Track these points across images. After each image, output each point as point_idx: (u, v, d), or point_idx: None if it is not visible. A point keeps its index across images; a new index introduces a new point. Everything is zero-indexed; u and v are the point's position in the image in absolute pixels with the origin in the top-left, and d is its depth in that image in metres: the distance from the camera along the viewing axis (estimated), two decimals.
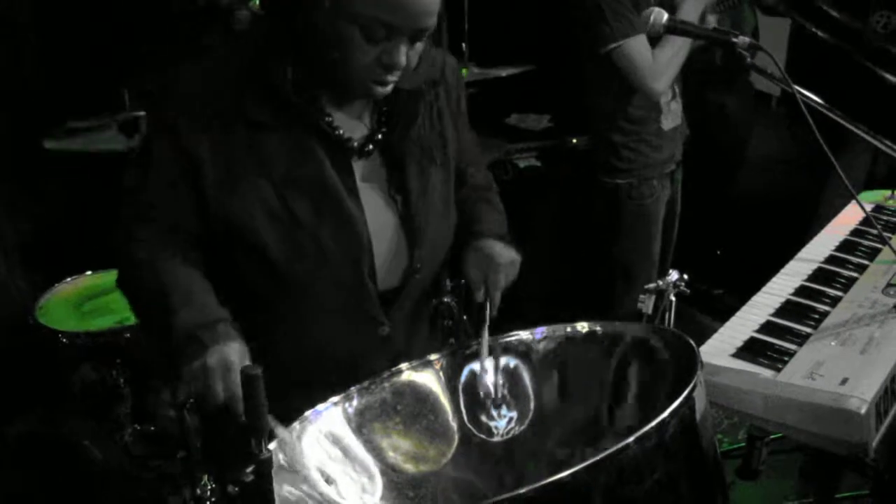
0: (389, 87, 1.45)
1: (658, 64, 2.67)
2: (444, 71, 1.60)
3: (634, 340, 1.47)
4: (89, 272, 2.91)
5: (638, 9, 2.61)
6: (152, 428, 2.80)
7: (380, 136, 1.56)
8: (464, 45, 3.18)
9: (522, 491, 1.02)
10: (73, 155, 2.72)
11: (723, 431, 2.99)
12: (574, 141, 3.88)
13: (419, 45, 1.44)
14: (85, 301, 2.79)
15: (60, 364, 2.65)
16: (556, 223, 3.82)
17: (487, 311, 1.57)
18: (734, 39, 1.73)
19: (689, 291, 1.75)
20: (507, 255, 1.61)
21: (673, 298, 1.74)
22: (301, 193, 1.47)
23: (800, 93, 1.72)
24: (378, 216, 1.55)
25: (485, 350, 1.55)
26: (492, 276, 1.58)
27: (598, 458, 1.04)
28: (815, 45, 2.95)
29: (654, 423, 1.07)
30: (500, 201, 1.81)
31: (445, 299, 3.18)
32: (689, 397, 1.15)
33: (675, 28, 1.88)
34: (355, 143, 1.53)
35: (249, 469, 1.08)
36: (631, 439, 1.05)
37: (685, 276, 1.75)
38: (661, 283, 1.74)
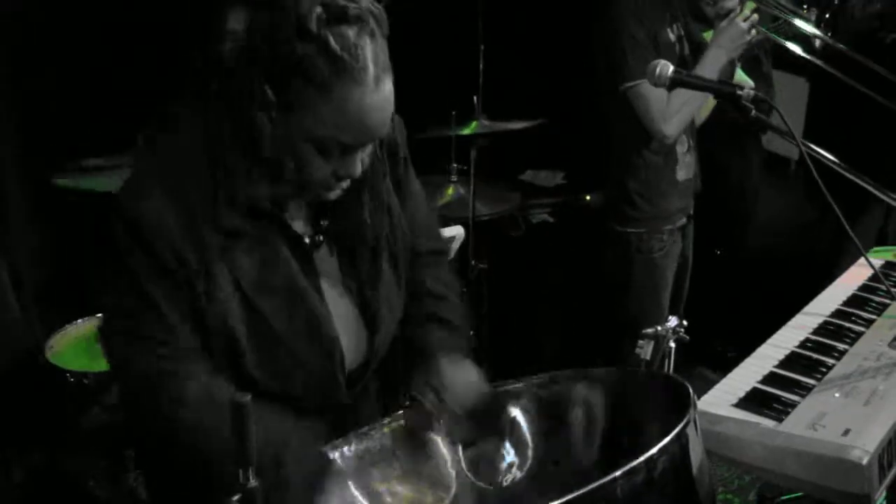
0: (340, 191, 1.42)
1: (671, 107, 2.71)
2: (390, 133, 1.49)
3: (631, 385, 1.47)
4: (101, 314, 2.91)
5: (659, 52, 2.67)
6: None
7: (325, 223, 1.50)
8: (475, 97, 3.22)
9: None
10: (89, 195, 2.76)
11: (733, 492, 2.92)
12: (587, 198, 3.91)
13: (370, 147, 1.40)
14: (96, 342, 2.76)
15: (68, 404, 2.66)
16: (567, 279, 3.82)
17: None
18: (739, 92, 1.74)
19: (688, 338, 1.74)
20: (461, 377, 1.55)
21: (672, 345, 1.73)
22: (273, 301, 1.40)
23: (804, 145, 1.73)
24: (338, 310, 1.50)
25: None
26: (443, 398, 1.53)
27: (585, 489, 1.03)
28: (835, 101, 2.97)
29: (642, 458, 1.06)
30: (455, 304, 1.70)
31: None
32: (681, 434, 1.14)
33: (680, 81, 1.89)
34: (307, 239, 1.48)
35: (236, 498, 1.06)
36: (618, 472, 1.04)
37: (684, 322, 1.74)
38: (659, 328, 1.73)
